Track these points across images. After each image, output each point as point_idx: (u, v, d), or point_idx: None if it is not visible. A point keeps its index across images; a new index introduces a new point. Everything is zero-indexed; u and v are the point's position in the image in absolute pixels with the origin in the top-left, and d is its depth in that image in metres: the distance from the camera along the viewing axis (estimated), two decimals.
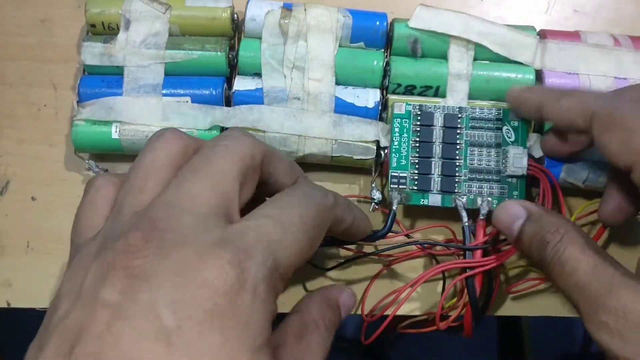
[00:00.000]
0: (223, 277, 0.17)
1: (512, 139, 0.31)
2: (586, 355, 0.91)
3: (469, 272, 0.29)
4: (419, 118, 0.31)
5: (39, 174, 0.33)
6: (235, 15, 0.33)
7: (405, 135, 0.31)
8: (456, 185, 0.31)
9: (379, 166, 0.32)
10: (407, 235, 0.31)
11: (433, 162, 0.31)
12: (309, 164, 0.33)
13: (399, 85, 0.32)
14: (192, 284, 0.17)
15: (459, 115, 0.31)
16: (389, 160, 0.31)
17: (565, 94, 0.27)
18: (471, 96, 0.32)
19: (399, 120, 0.31)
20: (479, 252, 0.29)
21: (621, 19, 0.35)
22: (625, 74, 0.32)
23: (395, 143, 0.31)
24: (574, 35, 0.33)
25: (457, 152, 0.31)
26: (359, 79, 0.32)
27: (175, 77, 0.32)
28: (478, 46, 0.32)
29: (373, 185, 0.32)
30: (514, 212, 0.27)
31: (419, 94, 0.32)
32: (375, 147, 0.32)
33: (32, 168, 0.34)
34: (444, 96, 0.32)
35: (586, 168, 0.31)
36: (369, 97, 0.32)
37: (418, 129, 0.31)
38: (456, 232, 0.31)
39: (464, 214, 0.30)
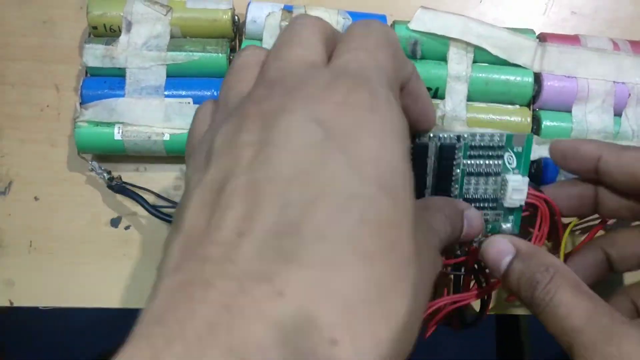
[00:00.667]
0: (355, 95, 0.17)
1: (514, 165, 0.29)
2: None
3: (458, 304, 0.30)
4: (412, 150, 0.29)
5: (41, 175, 0.34)
6: (236, 17, 0.33)
7: None
8: None
9: None
10: None
11: (426, 192, 0.30)
12: None
13: None
14: (328, 104, 0.16)
15: (457, 146, 0.28)
16: None
17: (628, 147, 0.27)
18: (470, 98, 0.32)
19: None
20: (468, 283, 0.30)
21: (619, 20, 0.35)
22: (624, 78, 0.32)
23: None
24: (573, 39, 0.33)
25: (452, 183, 0.29)
26: None
27: (177, 79, 0.32)
28: (477, 49, 0.32)
29: None
30: (502, 249, 0.26)
31: None
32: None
33: (34, 168, 0.34)
34: (442, 97, 0.32)
35: None
36: None
37: (411, 161, 0.29)
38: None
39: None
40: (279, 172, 0.15)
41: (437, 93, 0.32)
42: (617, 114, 0.32)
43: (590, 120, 0.32)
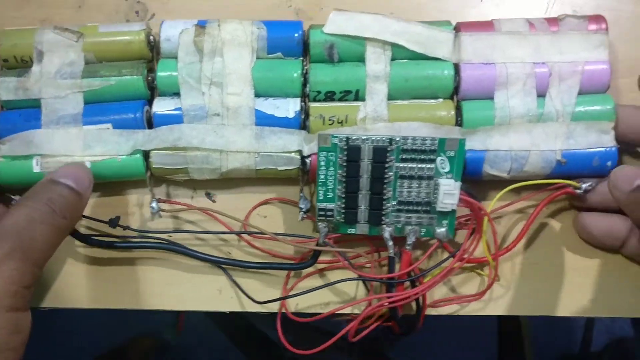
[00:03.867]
0: None
1: (447, 169, 0.29)
2: (585, 355, 0.89)
3: (393, 305, 0.30)
4: (345, 152, 0.29)
5: None
6: (152, 38, 0.32)
7: (331, 168, 0.29)
8: (383, 216, 0.30)
9: (306, 175, 0.32)
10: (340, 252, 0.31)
11: (360, 196, 0.30)
12: (237, 179, 0.32)
13: (319, 92, 0.31)
14: None
15: (389, 148, 0.29)
16: (316, 193, 0.30)
17: None
18: (391, 97, 0.31)
19: (324, 153, 0.29)
20: (401, 284, 0.30)
21: (620, 19, 0.34)
22: (542, 58, 0.31)
23: (322, 176, 0.29)
24: (487, 25, 0.32)
25: (385, 186, 0.29)
26: (279, 90, 0.31)
27: (96, 105, 0.31)
28: (395, 46, 0.31)
29: (301, 194, 0.31)
30: (633, 173, 0.28)
31: (340, 99, 0.32)
32: (299, 157, 0.31)
33: None
34: (364, 99, 0.31)
35: (509, 158, 0.30)
36: (289, 107, 0.31)
37: (345, 163, 0.29)
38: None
39: (390, 244, 0.30)
40: None
41: (358, 95, 0.31)
42: (541, 95, 0.31)
43: (512, 105, 0.31)
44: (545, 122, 0.31)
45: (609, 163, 0.31)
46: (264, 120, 0.31)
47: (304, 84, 0.31)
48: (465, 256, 0.31)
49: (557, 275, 0.33)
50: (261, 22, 0.32)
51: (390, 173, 0.29)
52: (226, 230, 0.33)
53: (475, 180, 0.31)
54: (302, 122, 0.31)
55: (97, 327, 0.86)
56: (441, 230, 0.30)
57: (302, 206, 0.31)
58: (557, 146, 0.30)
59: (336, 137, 0.29)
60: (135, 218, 0.34)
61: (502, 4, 0.35)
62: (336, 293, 0.33)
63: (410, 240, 0.30)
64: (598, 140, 0.31)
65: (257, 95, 0.31)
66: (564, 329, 0.92)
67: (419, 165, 0.29)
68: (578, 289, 0.33)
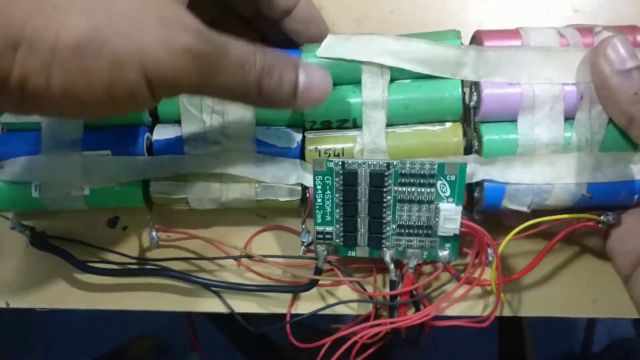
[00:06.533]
0: None
1: (447, 193, 0.28)
2: (586, 355, 0.89)
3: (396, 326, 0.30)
4: (341, 176, 0.28)
5: None
6: None
7: (328, 192, 0.29)
8: (384, 240, 0.30)
9: (307, 206, 0.31)
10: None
11: (359, 219, 0.29)
12: (237, 210, 0.32)
13: (314, 122, 0.30)
14: None
15: (386, 173, 0.28)
16: (314, 217, 0.29)
17: None
18: (391, 123, 0.29)
19: (320, 177, 0.28)
20: (403, 308, 0.30)
21: (622, 18, 0.33)
22: (573, 78, 0.28)
23: (319, 200, 0.29)
24: (512, 35, 0.29)
25: (384, 210, 0.29)
26: (279, 118, 0.30)
27: (96, 131, 0.31)
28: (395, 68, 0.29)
29: (303, 227, 0.31)
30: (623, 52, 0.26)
31: (338, 128, 0.30)
32: (300, 189, 0.30)
33: None
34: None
35: (530, 192, 0.29)
36: (291, 138, 0.30)
37: (341, 187, 0.28)
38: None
39: (391, 267, 0.30)
40: None
41: (356, 123, 0.30)
42: (568, 117, 0.28)
43: (537, 133, 0.28)
44: (571, 153, 0.28)
45: (636, 196, 0.29)
46: (264, 149, 0.30)
47: (301, 113, 0.30)
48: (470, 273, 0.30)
49: (558, 276, 0.33)
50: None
51: (389, 197, 0.28)
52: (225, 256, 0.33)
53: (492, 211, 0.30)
54: (301, 152, 0.30)
55: (97, 327, 0.86)
56: (444, 254, 0.30)
57: (304, 239, 0.31)
58: (583, 179, 0.28)
59: (331, 161, 0.28)
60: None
61: (504, 3, 0.34)
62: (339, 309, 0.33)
63: (412, 263, 0.29)
64: (625, 173, 0.28)
65: (259, 123, 0.30)
66: (565, 330, 0.92)
67: (419, 189, 0.28)
68: (579, 289, 0.33)
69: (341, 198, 0.29)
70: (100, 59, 0.19)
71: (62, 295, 0.34)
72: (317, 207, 0.29)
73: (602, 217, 0.29)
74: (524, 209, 0.29)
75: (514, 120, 0.29)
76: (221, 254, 0.33)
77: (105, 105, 0.21)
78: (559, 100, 0.28)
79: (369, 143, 0.29)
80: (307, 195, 0.30)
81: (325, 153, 0.30)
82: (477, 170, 0.29)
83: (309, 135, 0.30)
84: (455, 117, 0.29)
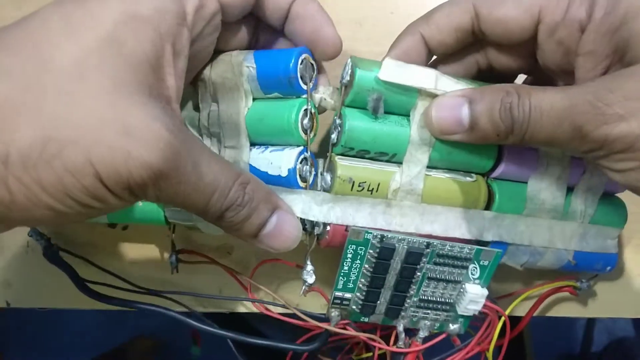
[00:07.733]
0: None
1: (476, 276, 0.28)
2: (586, 355, 0.89)
3: None
4: (377, 249, 0.27)
5: None
6: None
7: (358, 262, 0.27)
8: (402, 312, 0.29)
9: (314, 239, 0.28)
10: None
11: (382, 291, 0.28)
12: None
13: (352, 148, 0.26)
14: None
15: (424, 252, 0.27)
16: (335, 282, 0.28)
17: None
18: (429, 164, 0.27)
19: (354, 247, 0.27)
20: None
21: None
22: None
23: (345, 267, 0.27)
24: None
25: (411, 286, 0.28)
26: (277, 137, 0.27)
27: None
28: None
29: (306, 262, 0.28)
30: (453, 103, 0.25)
31: (371, 159, 0.27)
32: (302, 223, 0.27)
33: None
34: (400, 163, 0.27)
35: (527, 253, 0.29)
36: (282, 164, 0.26)
37: (374, 260, 0.27)
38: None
39: (402, 336, 0.30)
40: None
41: (392, 158, 0.27)
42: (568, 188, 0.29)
43: (543, 199, 0.28)
44: (565, 221, 0.29)
45: (608, 268, 0.31)
46: (257, 175, 0.26)
47: (308, 127, 0.26)
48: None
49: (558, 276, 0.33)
50: (252, 58, 0.26)
51: (419, 274, 0.28)
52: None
53: None
54: (301, 179, 0.27)
55: (97, 327, 0.87)
56: (455, 327, 0.30)
57: (307, 279, 0.28)
58: (571, 246, 0.30)
59: (370, 232, 0.27)
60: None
61: None
62: None
63: (423, 334, 0.30)
64: (604, 245, 0.30)
65: (255, 143, 0.27)
66: (565, 329, 0.92)
67: (450, 270, 0.28)
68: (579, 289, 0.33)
69: (370, 269, 0.27)
70: (51, 169, 0.19)
71: (62, 295, 0.34)
72: (342, 274, 0.28)
73: (578, 284, 0.33)
74: (518, 266, 0.30)
75: (523, 182, 0.29)
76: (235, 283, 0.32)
77: (75, 208, 0.20)
78: (567, 171, 0.29)
79: (406, 183, 0.27)
80: (326, 233, 0.27)
81: (359, 186, 0.26)
82: (488, 229, 0.28)
83: (342, 162, 0.26)
84: (481, 171, 0.28)
